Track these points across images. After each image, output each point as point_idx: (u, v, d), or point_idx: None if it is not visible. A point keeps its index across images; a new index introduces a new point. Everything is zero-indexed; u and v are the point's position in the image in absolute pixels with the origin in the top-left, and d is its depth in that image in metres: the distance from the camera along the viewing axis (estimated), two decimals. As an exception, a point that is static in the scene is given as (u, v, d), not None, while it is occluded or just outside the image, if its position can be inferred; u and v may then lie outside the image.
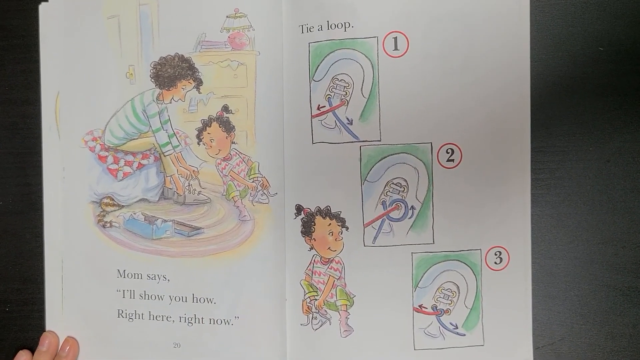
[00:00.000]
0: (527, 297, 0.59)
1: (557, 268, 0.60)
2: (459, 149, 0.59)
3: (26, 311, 0.63)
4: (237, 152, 0.61)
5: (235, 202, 0.61)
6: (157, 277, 0.62)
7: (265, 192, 0.60)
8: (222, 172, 0.61)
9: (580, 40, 0.59)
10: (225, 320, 0.61)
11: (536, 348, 0.59)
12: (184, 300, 0.62)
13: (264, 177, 0.60)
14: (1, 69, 0.63)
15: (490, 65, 0.59)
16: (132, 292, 0.62)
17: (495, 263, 0.60)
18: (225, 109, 0.60)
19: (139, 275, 0.62)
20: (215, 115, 0.61)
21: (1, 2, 0.63)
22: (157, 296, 0.62)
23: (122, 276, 0.62)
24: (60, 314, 0.63)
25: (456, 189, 0.60)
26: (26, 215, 0.63)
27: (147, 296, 0.62)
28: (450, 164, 0.59)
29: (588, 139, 0.59)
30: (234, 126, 0.60)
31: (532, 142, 0.59)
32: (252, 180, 0.60)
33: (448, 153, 0.59)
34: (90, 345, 0.63)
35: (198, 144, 0.61)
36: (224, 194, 0.61)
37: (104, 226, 0.63)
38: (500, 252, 0.60)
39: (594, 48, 0.59)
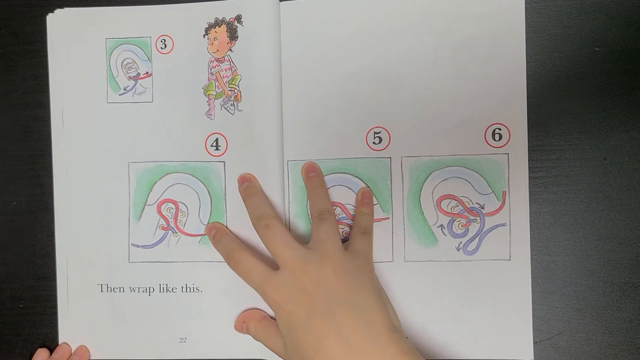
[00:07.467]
0: (526, 295, 0.59)
1: (555, 264, 0.60)
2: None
3: (39, 307, 0.64)
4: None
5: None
6: None
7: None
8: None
9: (576, 40, 0.59)
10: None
11: (534, 343, 0.60)
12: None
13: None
14: (14, 73, 0.64)
15: (486, 68, 0.59)
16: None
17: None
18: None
19: None
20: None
21: (13, 9, 0.64)
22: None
23: None
24: (66, 311, 0.63)
25: None
26: (38, 214, 0.64)
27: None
28: None
29: (585, 137, 0.59)
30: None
31: (529, 141, 0.59)
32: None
33: None
34: (98, 343, 0.63)
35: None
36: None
37: None
38: None
39: (589, 48, 0.59)
